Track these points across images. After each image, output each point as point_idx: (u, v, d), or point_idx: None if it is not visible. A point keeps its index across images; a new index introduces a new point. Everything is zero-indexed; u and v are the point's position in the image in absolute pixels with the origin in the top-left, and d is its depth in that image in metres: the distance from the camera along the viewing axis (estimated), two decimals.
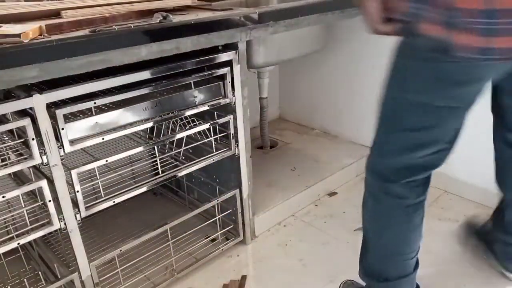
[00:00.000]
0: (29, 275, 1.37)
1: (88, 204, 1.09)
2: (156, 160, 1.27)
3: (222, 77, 1.28)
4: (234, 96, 1.31)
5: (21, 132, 0.99)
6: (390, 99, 1.01)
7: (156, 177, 1.24)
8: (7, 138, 1.09)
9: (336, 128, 2.19)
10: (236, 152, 1.39)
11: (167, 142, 1.47)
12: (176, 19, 1.14)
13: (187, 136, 1.38)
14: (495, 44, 0.78)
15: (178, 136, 1.28)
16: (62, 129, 0.98)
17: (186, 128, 1.36)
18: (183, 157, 1.43)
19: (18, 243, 1.01)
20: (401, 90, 0.97)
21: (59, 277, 1.16)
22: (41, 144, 0.97)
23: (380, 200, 1.10)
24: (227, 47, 1.26)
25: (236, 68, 1.28)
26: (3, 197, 0.95)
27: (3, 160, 0.99)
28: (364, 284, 1.24)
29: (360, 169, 1.98)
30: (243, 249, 1.53)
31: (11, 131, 1.04)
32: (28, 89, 0.97)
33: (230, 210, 1.49)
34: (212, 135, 1.35)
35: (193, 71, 1.20)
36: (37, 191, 1.04)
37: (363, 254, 1.20)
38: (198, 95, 1.24)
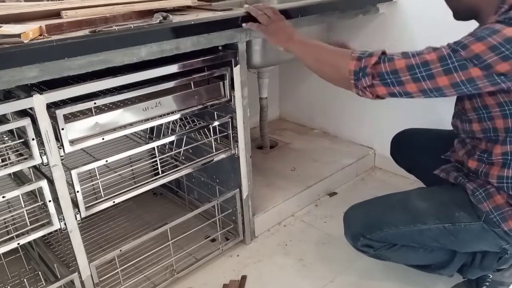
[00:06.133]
0: (29, 275, 1.37)
1: (88, 204, 1.09)
2: (156, 160, 1.27)
3: (222, 77, 1.28)
4: (234, 96, 1.31)
5: (21, 132, 0.99)
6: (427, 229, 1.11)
7: (156, 177, 1.24)
8: (7, 138, 1.09)
9: (336, 128, 2.19)
10: (236, 152, 1.39)
11: (167, 142, 1.47)
12: (176, 19, 1.14)
13: (187, 136, 1.38)
14: None
15: (178, 136, 1.28)
16: (62, 129, 0.98)
17: (186, 128, 1.36)
18: (183, 157, 1.44)
19: (18, 243, 1.01)
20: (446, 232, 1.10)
21: (59, 277, 1.16)
22: (41, 144, 0.97)
23: (390, 250, 1.20)
24: (227, 47, 1.25)
25: (236, 68, 1.28)
26: (3, 197, 0.95)
27: (3, 160, 0.99)
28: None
29: (360, 169, 1.99)
30: (243, 249, 1.53)
31: (11, 131, 1.04)
32: (28, 89, 0.97)
33: (230, 210, 1.49)
34: (212, 135, 1.35)
35: (193, 71, 1.20)
36: (37, 191, 1.04)
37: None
38: (197, 95, 1.24)
